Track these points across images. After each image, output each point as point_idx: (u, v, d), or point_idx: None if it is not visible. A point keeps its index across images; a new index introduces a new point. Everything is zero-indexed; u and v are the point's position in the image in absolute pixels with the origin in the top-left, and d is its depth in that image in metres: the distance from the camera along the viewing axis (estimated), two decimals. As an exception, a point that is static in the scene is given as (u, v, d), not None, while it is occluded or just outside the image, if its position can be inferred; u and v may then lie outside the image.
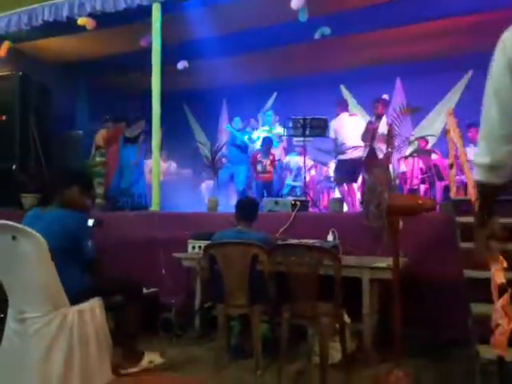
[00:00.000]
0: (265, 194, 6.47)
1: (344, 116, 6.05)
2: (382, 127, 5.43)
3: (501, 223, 1.59)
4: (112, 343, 2.66)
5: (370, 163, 5.12)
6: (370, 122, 5.73)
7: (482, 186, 1.44)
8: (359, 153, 5.53)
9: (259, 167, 6.85)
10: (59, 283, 2.37)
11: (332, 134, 5.82)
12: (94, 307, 2.50)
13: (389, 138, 5.12)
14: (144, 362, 2.97)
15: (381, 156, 5.23)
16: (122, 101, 7.86)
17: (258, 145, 7.31)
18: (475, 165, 1.40)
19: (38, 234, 2.27)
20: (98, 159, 6.51)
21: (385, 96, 5.87)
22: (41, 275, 2.35)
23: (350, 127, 5.89)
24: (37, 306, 2.33)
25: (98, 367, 2.45)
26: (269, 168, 6.83)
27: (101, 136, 6.71)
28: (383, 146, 5.28)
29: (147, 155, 6.73)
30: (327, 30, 5.88)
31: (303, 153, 5.65)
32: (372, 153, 5.41)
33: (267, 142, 7.02)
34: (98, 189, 6.06)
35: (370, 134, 5.50)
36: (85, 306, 2.47)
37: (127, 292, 2.91)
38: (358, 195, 5.80)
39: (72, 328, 2.37)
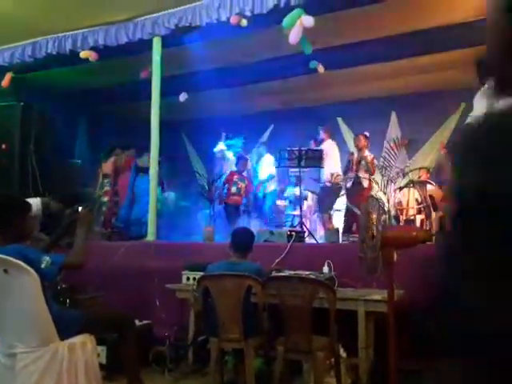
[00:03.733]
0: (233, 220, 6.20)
1: (328, 143, 6.46)
2: (365, 158, 5.80)
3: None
4: (104, 377, 2.61)
5: (356, 193, 5.46)
6: (351, 154, 6.12)
7: None
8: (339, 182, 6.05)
9: (234, 189, 6.46)
10: (50, 318, 2.35)
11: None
12: (85, 342, 2.46)
13: (371, 167, 5.47)
14: None
15: (365, 185, 5.55)
16: (123, 131, 7.93)
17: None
18: None
19: (30, 268, 2.25)
20: (106, 188, 6.30)
21: (366, 133, 6.21)
22: (31, 310, 2.33)
23: (333, 155, 6.36)
24: (27, 340, 2.30)
25: (86, 403, 2.40)
26: (243, 192, 6.46)
27: (111, 164, 6.44)
28: (366, 176, 5.64)
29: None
30: (315, 64, 6.06)
31: (298, 183, 5.69)
32: (357, 182, 5.76)
33: (243, 159, 6.71)
34: (99, 218, 6.07)
35: (352, 165, 5.89)
36: (75, 340, 2.43)
37: (121, 329, 2.88)
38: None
39: (62, 363, 2.32)
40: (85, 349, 2.44)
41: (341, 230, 5.50)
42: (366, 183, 5.67)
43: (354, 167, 5.87)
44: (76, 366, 2.37)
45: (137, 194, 6.56)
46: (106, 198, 6.27)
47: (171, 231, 6.62)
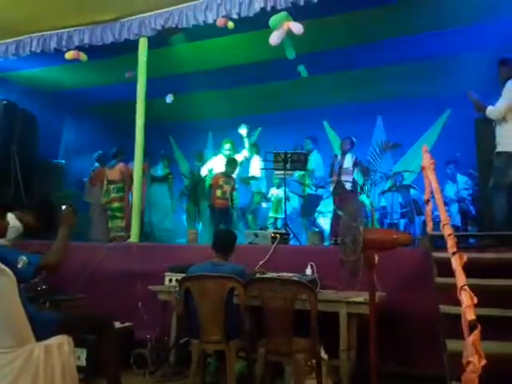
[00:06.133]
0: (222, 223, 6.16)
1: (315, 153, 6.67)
2: (348, 162, 5.90)
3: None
4: (84, 379, 2.57)
5: (340, 196, 5.54)
6: (334, 157, 6.23)
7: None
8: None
9: (219, 192, 6.28)
10: (25, 318, 2.30)
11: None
12: (61, 343, 2.41)
13: (358, 171, 5.56)
14: None
15: (348, 188, 5.63)
16: (108, 132, 7.86)
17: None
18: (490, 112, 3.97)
19: (6, 268, 2.21)
20: (114, 195, 6.22)
21: (353, 138, 6.30)
22: (7, 310, 2.28)
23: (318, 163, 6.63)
24: (2, 341, 2.25)
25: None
26: (227, 195, 6.31)
27: (118, 170, 6.32)
28: (350, 179, 5.77)
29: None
30: (302, 69, 6.09)
31: (283, 185, 5.69)
32: (340, 186, 5.85)
33: (233, 163, 6.52)
34: (119, 223, 6.11)
35: (336, 169, 5.99)
36: (52, 341, 2.38)
37: (98, 330, 2.82)
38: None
39: (37, 364, 2.28)
40: (61, 350, 2.39)
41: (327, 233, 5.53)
42: (348, 186, 5.73)
43: (337, 171, 5.94)
44: (52, 367, 2.33)
45: (153, 202, 6.91)
46: (116, 204, 6.21)
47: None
